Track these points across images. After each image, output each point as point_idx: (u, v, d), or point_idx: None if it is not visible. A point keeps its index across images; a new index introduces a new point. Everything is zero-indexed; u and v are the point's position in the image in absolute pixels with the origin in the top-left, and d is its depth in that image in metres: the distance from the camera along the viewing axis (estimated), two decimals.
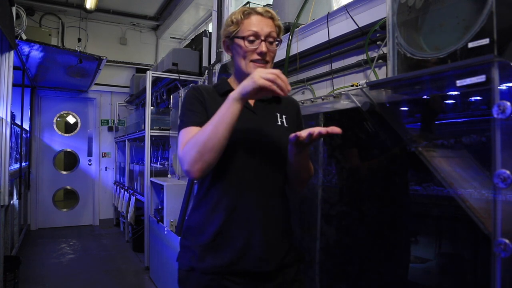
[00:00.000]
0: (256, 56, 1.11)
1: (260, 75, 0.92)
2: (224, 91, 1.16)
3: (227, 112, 0.97)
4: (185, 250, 1.15)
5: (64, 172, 6.35)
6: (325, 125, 1.97)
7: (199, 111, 1.11)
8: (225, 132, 0.97)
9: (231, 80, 1.22)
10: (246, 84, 0.95)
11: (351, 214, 1.89)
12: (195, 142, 1.00)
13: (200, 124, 1.06)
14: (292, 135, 0.97)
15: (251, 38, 1.10)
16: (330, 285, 1.92)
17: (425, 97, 1.40)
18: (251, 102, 1.18)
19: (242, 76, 1.17)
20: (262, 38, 1.10)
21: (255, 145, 1.10)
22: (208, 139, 0.97)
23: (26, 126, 5.41)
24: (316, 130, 0.92)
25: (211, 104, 1.13)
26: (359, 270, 1.81)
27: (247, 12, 1.13)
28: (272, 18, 1.14)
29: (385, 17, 1.51)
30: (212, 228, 1.08)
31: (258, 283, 1.08)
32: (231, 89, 1.16)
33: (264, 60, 1.12)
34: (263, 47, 1.10)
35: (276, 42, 1.14)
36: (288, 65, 2.67)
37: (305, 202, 2.09)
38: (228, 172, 1.08)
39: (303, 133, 0.95)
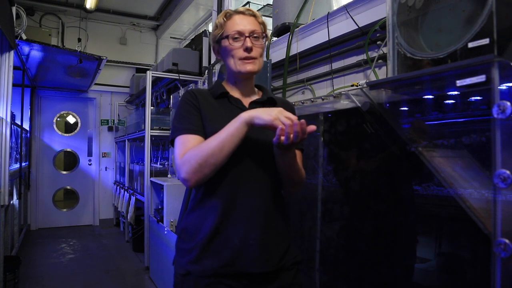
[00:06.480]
0: (243, 54, 1.12)
1: (279, 117, 0.94)
2: (218, 94, 1.17)
3: (235, 132, 0.99)
4: (181, 253, 1.14)
5: (64, 172, 6.35)
6: (325, 125, 1.97)
7: (193, 117, 1.11)
8: (230, 151, 1.00)
9: (225, 83, 1.23)
10: (263, 117, 0.96)
11: (350, 214, 1.89)
12: (197, 153, 1.01)
13: (196, 131, 1.08)
14: (275, 138, 0.97)
15: (236, 36, 1.12)
16: (331, 285, 1.92)
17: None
18: (246, 103, 1.18)
19: (234, 77, 1.19)
20: (247, 34, 1.12)
21: (250, 148, 1.10)
22: (211, 155, 0.99)
23: (26, 126, 5.41)
24: (291, 132, 0.92)
25: (205, 107, 1.14)
26: (360, 270, 1.81)
27: (229, 14, 1.16)
28: (254, 15, 1.16)
29: (385, 17, 1.51)
30: (209, 228, 1.07)
31: (256, 286, 1.08)
32: (226, 92, 1.18)
33: (251, 56, 1.12)
34: (248, 42, 1.11)
35: (262, 38, 1.15)
36: (288, 65, 2.67)
37: (305, 202, 2.09)
38: (224, 174, 1.08)
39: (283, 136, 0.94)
